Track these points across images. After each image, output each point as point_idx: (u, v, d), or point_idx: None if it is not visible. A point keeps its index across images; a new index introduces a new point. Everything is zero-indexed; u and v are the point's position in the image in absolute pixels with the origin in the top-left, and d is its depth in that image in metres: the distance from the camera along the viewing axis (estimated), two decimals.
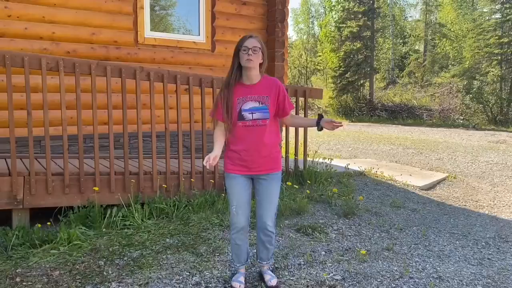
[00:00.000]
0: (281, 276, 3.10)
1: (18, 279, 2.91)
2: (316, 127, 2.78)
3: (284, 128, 5.88)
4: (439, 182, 6.70)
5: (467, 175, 7.36)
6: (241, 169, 2.77)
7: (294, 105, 2.82)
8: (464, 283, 3.15)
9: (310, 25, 44.08)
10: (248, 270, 3.15)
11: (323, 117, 2.79)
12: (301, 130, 5.63)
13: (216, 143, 2.77)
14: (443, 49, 27.50)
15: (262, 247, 2.94)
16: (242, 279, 2.94)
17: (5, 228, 3.63)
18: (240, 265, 2.98)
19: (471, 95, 20.65)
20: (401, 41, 32.52)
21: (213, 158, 2.61)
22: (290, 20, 47.54)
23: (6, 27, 5.04)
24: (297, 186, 5.08)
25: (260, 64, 2.70)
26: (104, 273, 3.05)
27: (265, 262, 3.00)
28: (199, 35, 6.51)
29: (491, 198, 5.96)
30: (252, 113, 2.68)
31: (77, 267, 3.13)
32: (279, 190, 2.88)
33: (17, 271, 3.02)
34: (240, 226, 2.86)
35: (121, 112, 4.32)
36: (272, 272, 3.06)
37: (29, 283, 2.87)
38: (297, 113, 5.61)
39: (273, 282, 2.93)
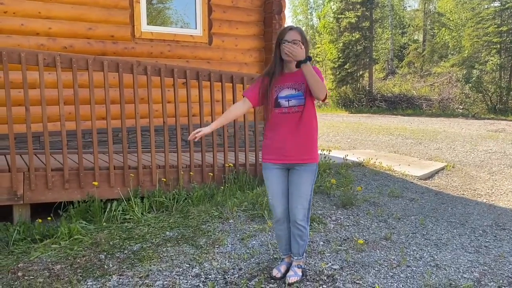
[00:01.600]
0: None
1: (20, 274, 2.95)
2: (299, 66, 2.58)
3: None
4: (437, 171, 6.73)
5: (465, 164, 7.38)
6: (277, 157, 2.79)
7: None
8: (461, 271, 3.18)
9: (309, 16, 43.90)
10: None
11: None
12: None
13: (219, 118, 2.91)
14: (442, 39, 27.39)
15: (293, 240, 2.91)
16: (282, 268, 2.99)
17: (6, 224, 3.67)
18: (283, 254, 3.06)
19: (470, 84, 20.60)
20: (400, 31, 32.40)
21: (198, 132, 2.78)
22: (288, 12, 47.37)
23: (2, 24, 5.04)
24: None
25: None
26: (105, 266, 3.09)
27: (295, 258, 2.96)
28: (196, 28, 6.50)
29: (489, 187, 5.99)
30: (288, 101, 2.71)
31: (78, 261, 3.16)
32: (311, 183, 2.82)
33: (18, 265, 3.06)
34: (278, 217, 2.91)
35: (119, 107, 4.34)
36: (300, 270, 2.98)
37: (31, 277, 2.91)
38: None
39: (291, 279, 2.88)
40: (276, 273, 2.96)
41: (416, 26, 31.12)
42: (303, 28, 42.86)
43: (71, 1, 5.44)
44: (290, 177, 2.83)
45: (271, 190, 2.88)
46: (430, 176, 6.48)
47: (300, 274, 2.95)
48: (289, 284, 2.86)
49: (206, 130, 2.81)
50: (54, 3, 5.33)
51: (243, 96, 2.89)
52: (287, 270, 2.99)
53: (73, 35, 5.48)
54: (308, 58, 2.53)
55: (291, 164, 2.79)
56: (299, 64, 2.55)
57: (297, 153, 2.76)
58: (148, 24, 6.08)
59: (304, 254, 2.99)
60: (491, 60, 20.45)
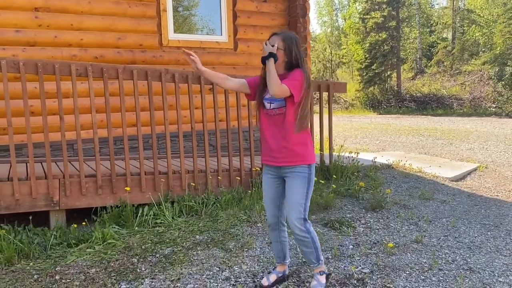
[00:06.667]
0: (309, 270, 3.14)
1: (57, 277, 3.06)
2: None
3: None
4: (469, 172, 6.57)
5: (499, 165, 7.18)
6: (268, 158, 2.77)
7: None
8: (496, 274, 3.11)
9: (334, 18, 43.61)
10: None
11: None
12: (326, 124, 5.63)
13: (211, 71, 2.89)
14: (472, 36, 26.69)
15: (300, 249, 2.88)
16: (272, 277, 2.92)
17: (43, 229, 3.81)
18: (277, 263, 3.02)
19: (503, 82, 20.00)
20: (428, 29, 31.76)
21: (192, 55, 2.76)
22: (313, 13, 47.18)
23: (38, 36, 5.25)
24: (323, 181, 5.10)
25: (286, 62, 2.65)
26: (138, 270, 3.17)
27: (312, 265, 2.86)
28: (221, 34, 6.58)
29: None
30: (270, 103, 2.70)
31: (112, 264, 3.26)
32: (303, 187, 2.68)
33: (56, 269, 3.18)
34: (268, 222, 2.92)
35: (148, 114, 4.44)
36: (323, 276, 2.86)
37: (68, 280, 3.02)
38: (320, 107, 5.61)
39: None
40: (264, 281, 2.91)
41: (445, 24, 30.41)
42: (329, 30, 42.73)
43: (101, 13, 5.61)
44: (284, 185, 2.77)
45: (264, 193, 2.89)
46: (462, 177, 6.34)
47: (324, 281, 2.83)
48: None
49: (199, 64, 2.78)
50: (86, 15, 5.51)
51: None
52: (276, 280, 2.93)
53: (104, 45, 5.65)
54: (271, 55, 2.54)
55: (280, 168, 2.73)
56: (263, 60, 2.58)
57: (283, 155, 2.69)
58: (175, 32, 6.20)
59: (321, 260, 2.83)
60: None
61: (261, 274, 3.09)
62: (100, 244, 3.58)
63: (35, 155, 4.53)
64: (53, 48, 5.34)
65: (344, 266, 3.22)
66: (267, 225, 2.99)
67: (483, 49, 25.53)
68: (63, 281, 3.01)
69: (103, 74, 4.17)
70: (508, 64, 20.30)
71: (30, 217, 3.80)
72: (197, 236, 3.79)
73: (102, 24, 5.63)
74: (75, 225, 3.82)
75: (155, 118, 4.43)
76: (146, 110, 4.62)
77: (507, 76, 19.85)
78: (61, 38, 5.39)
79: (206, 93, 4.76)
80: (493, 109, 19.39)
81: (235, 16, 6.56)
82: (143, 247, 3.56)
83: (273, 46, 2.60)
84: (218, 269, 3.18)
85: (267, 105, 2.72)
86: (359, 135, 12.25)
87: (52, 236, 3.66)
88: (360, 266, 3.23)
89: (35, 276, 3.07)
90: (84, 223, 3.96)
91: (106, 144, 5.09)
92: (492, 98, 20.58)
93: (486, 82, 21.88)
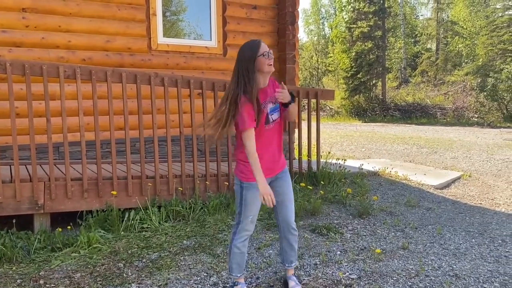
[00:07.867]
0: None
1: (41, 282, 3.00)
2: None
3: (296, 130, 5.92)
4: (454, 180, 6.67)
5: (482, 173, 7.30)
6: (268, 172, 2.64)
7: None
8: (481, 281, 3.14)
9: (321, 26, 44.03)
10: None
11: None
12: (313, 131, 5.66)
13: (258, 166, 2.47)
14: (455, 47, 27.23)
15: (290, 248, 2.86)
16: None
17: (27, 232, 3.73)
18: (242, 275, 2.84)
19: (485, 93, 20.39)
20: (412, 40, 32.30)
21: (272, 194, 2.47)
22: (300, 22, 47.48)
23: (24, 37, 5.18)
24: (310, 187, 5.11)
25: None
26: (124, 274, 3.13)
27: (293, 264, 2.92)
28: (211, 40, 6.59)
29: (508, 196, 5.91)
30: (272, 115, 2.63)
31: (98, 269, 3.21)
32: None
33: (40, 274, 3.12)
34: (250, 233, 2.76)
35: (136, 118, 4.41)
36: (297, 278, 3.00)
37: (52, 285, 2.96)
38: (309, 114, 5.65)
39: None
40: None
41: (429, 35, 30.98)
42: (315, 38, 43.12)
43: (90, 15, 5.56)
44: (276, 187, 2.72)
45: (256, 208, 2.68)
46: (447, 185, 6.42)
47: (299, 282, 2.98)
48: None
49: (268, 188, 2.50)
50: (74, 17, 5.46)
51: (250, 129, 2.52)
52: None
53: (92, 48, 5.60)
54: (292, 98, 2.62)
55: (275, 175, 2.75)
56: (287, 104, 2.61)
57: (281, 163, 2.76)
58: (164, 36, 6.18)
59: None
60: (506, 68, 20.21)
61: (250, 280, 3.08)
62: (85, 249, 3.53)
63: (20, 157, 4.45)
64: (40, 49, 5.27)
65: (332, 272, 3.22)
66: (245, 238, 2.74)
67: (466, 60, 26.04)
68: (47, 285, 2.96)
69: (91, 77, 4.13)
70: (490, 75, 20.72)
71: (14, 221, 3.72)
72: (185, 241, 3.76)
73: (91, 27, 5.58)
74: (60, 229, 3.75)
75: (143, 121, 4.40)
76: (134, 114, 4.59)
77: (489, 87, 20.25)
78: (48, 39, 5.33)
79: (195, 97, 4.75)
80: (476, 119, 19.75)
81: (225, 22, 6.58)
82: (129, 251, 3.52)
83: (271, 51, 2.55)
84: (205, 274, 3.16)
85: (270, 118, 2.62)
86: (345, 143, 12.35)
87: (36, 240, 3.59)
88: (348, 272, 3.24)
89: (18, 281, 3.01)
90: (69, 227, 3.90)
91: (92, 147, 5.03)
92: (474, 108, 20.97)
93: (469, 93, 22.30)
